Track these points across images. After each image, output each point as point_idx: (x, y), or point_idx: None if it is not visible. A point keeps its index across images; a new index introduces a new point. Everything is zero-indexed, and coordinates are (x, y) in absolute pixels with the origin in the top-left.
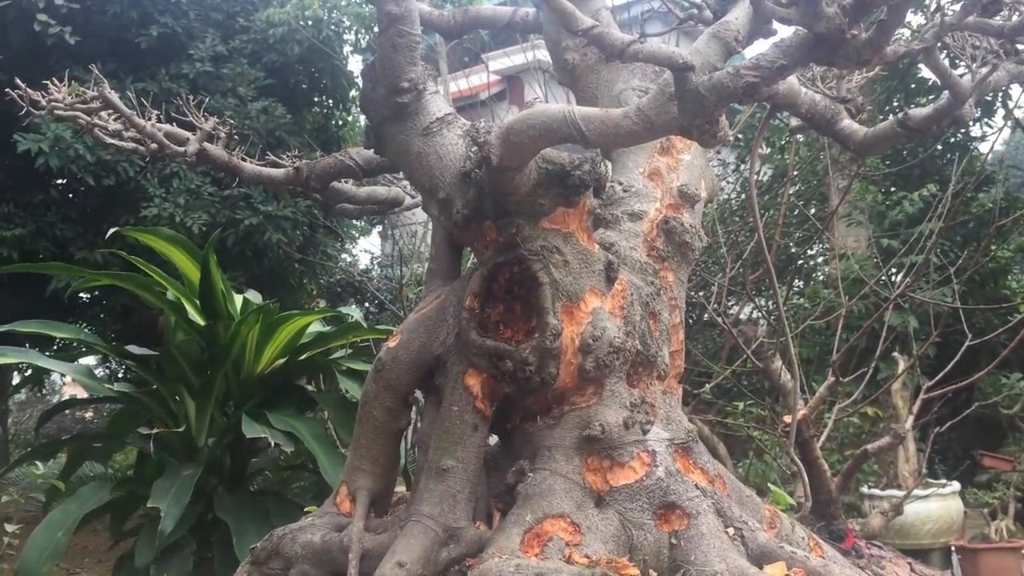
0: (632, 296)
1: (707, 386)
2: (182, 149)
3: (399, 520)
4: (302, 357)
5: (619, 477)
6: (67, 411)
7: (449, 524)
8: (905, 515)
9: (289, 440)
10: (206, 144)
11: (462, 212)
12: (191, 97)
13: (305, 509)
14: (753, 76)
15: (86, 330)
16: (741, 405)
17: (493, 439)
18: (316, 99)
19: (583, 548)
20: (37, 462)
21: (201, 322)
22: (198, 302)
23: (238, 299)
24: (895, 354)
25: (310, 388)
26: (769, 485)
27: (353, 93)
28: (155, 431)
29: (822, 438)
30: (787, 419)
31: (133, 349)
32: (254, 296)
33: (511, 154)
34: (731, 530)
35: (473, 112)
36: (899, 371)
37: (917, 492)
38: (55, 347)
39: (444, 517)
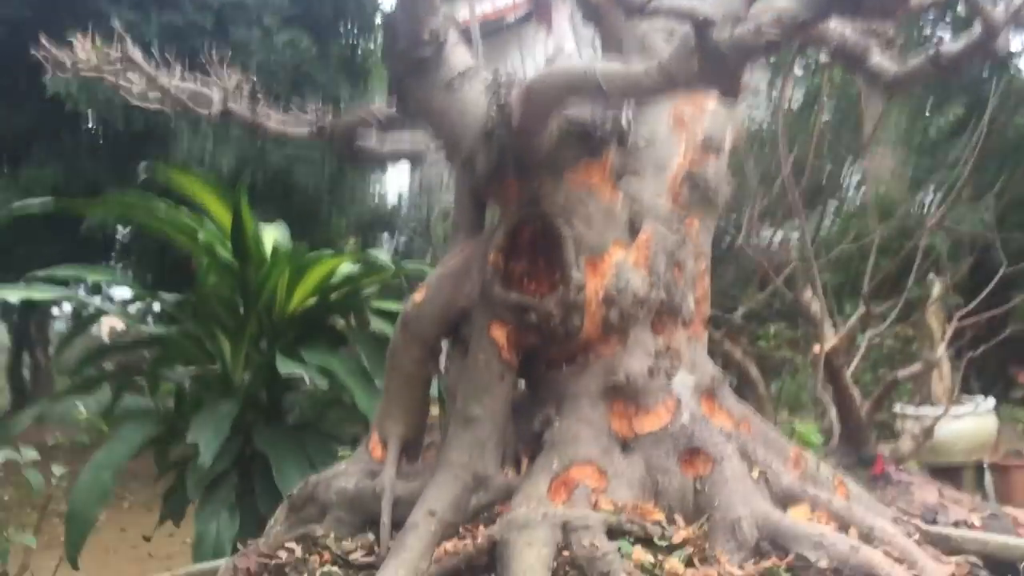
0: (657, 246)
1: (739, 311)
2: (206, 111)
3: (429, 467)
4: (332, 297)
5: (644, 423)
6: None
7: (478, 472)
8: (937, 432)
9: (323, 376)
10: (230, 104)
11: (484, 169)
12: (216, 29)
13: (340, 453)
14: (775, 34)
15: (121, 272)
16: (773, 328)
17: (520, 383)
18: (341, 28)
19: (609, 494)
20: (78, 402)
21: (233, 262)
22: (229, 244)
23: (268, 239)
24: (931, 276)
25: (341, 323)
26: (795, 424)
27: (378, 21)
28: (193, 372)
29: (853, 364)
30: (816, 350)
31: (165, 295)
32: (282, 231)
33: (532, 113)
34: (755, 472)
35: (498, 39)
36: (934, 294)
37: (951, 411)
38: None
39: (473, 465)
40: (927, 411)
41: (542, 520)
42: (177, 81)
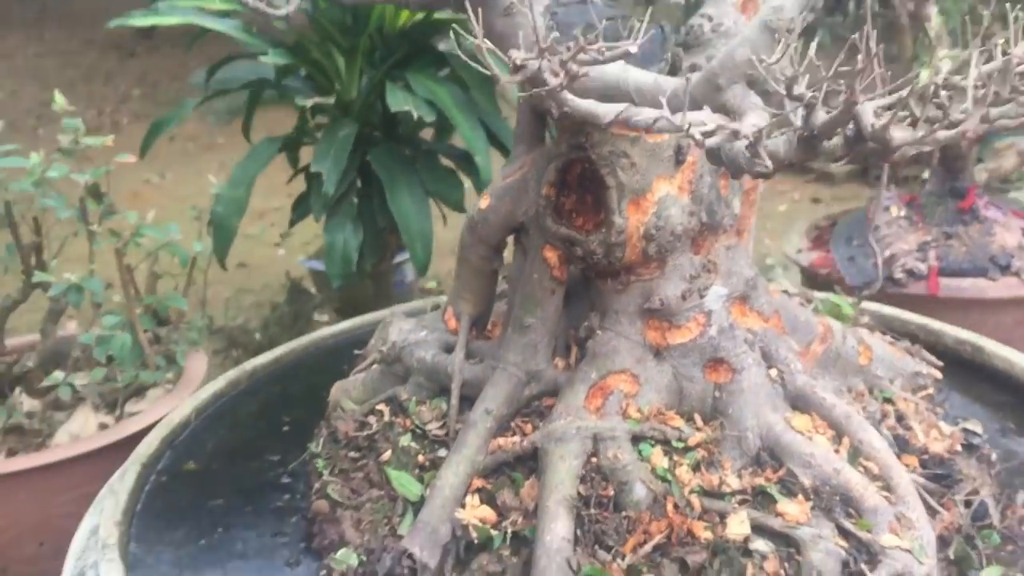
0: (702, 168)
1: None
2: (281, 11)
3: (493, 348)
4: (435, 16)
5: (676, 336)
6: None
7: (531, 368)
8: None
9: (431, 109)
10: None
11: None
12: None
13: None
14: (764, 167)
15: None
16: None
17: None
18: None
19: (639, 399)
20: (211, 177)
21: None
22: None
23: None
24: None
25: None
26: (831, 296)
27: None
28: (313, 101)
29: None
30: (924, 76)
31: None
32: None
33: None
34: (774, 371)
35: None
36: None
37: None
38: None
39: (526, 364)
40: None
41: (576, 434)
42: None
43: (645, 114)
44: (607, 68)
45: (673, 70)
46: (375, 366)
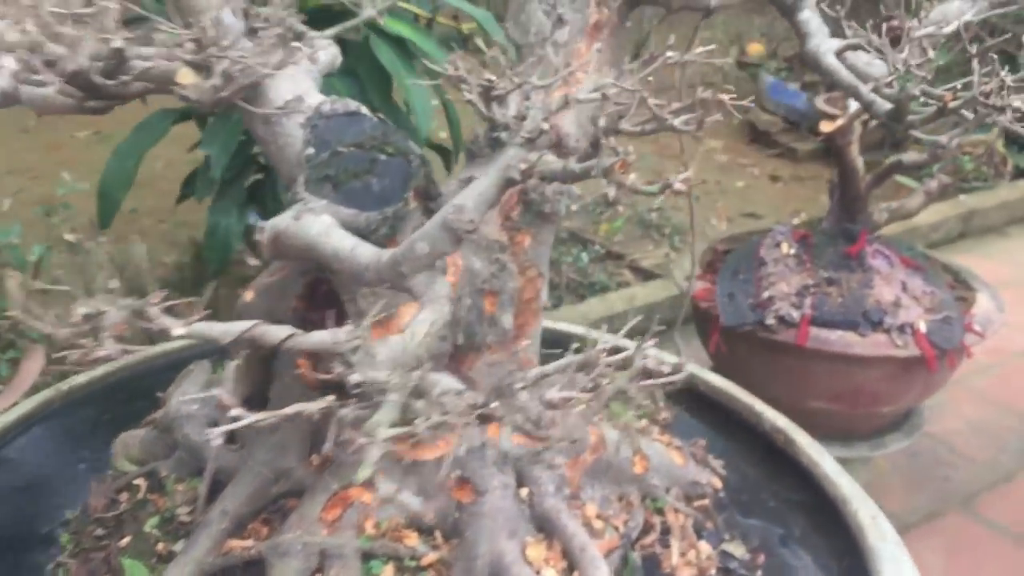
0: (463, 288)
1: None
2: None
3: (261, 433)
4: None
5: (424, 453)
6: None
7: (279, 467)
8: None
9: (346, 78)
10: None
11: None
12: None
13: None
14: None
15: None
16: None
17: None
18: None
19: (379, 512)
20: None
21: None
22: None
23: None
24: None
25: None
26: (612, 405)
27: None
28: None
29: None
30: (824, 127)
31: None
32: None
33: (281, 255)
34: (525, 491)
35: None
36: None
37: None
38: None
39: (275, 462)
40: None
41: (301, 550)
42: None
43: (273, 333)
44: (312, 225)
45: (430, 196)
46: (152, 432)
